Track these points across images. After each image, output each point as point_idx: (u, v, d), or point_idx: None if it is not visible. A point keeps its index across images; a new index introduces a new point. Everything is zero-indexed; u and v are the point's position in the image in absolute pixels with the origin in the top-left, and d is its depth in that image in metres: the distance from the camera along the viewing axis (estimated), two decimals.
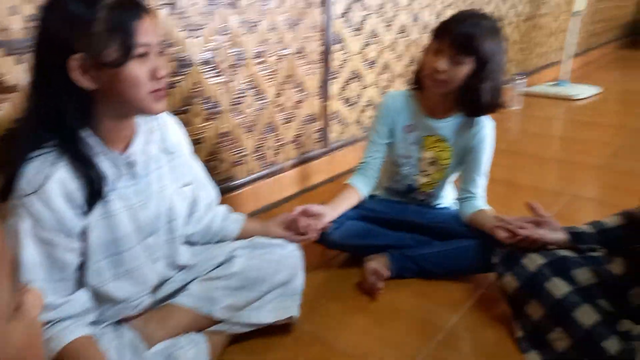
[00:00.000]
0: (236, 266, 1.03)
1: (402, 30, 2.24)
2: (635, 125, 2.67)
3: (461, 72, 1.17)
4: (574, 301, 0.95)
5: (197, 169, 1.07)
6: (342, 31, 1.90)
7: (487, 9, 2.87)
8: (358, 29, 1.98)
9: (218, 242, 1.13)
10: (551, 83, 3.62)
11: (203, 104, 1.45)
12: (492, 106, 1.22)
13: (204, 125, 1.47)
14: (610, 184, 1.95)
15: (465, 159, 1.32)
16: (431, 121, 1.32)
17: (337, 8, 1.84)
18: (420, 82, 1.28)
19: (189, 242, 1.09)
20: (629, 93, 3.62)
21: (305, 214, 1.17)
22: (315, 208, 1.20)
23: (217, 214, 1.13)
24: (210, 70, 1.44)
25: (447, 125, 1.31)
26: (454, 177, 1.40)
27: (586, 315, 0.93)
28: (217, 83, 1.48)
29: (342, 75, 1.97)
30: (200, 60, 1.40)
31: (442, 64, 1.16)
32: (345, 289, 1.28)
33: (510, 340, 1.06)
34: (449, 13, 2.30)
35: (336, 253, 1.41)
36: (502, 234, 1.09)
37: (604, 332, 0.90)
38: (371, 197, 1.41)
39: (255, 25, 1.54)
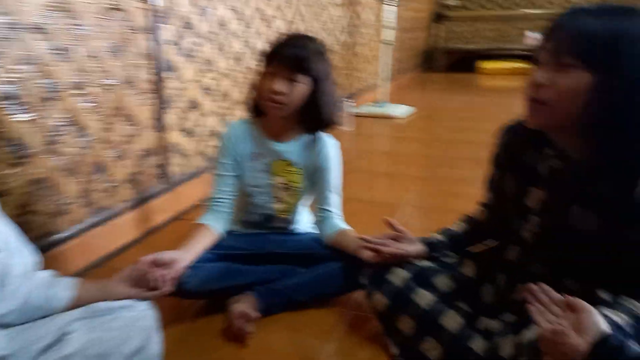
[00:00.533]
0: (72, 345, 0.82)
1: (238, 57, 2.20)
2: (447, 137, 3.08)
3: (298, 91, 1.19)
4: (439, 309, 0.99)
5: (4, 231, 0.85)
6: (174, 58, 1.77)
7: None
8: (191, 56, 1.87)
9: (43, 317, 0.90)
10: (375, 104, 3.98)
11: (7, 147, 1.18)
12: (331, 121, 1.27)
13: (10, 173, 1.20)
14: (436, 190, 2.18)
15: (315, 180, 1.32)
16: (276, 145, 1.29)
17: (166, 34, 1.71)
18: (259, 107, 1.26)
19: (3, 325, 0.85)
20: (437, 110, 4.19)
21: (155, 263, 1.02)
22: (166, 255, 1.05)
23: (38, 283, 0.90)
24: (13, 106, 1.19)
25: (292, 149, 1.30)
26: (308, 200, 1.39)
27: (452, 321, 0.98)
28: (25, 121, 1.22)
29: (178, 105, 1.83)
30: (0, 95, 1.15)
31: (280, 85, 1.17)
32: (209, 340, 1.15)
33: (386, 358, 1.06)
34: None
35: (191, 302, 1.27)
36: (367, 254, 1.10)
37: (469, 334, 0.96)
38: (228, 233, 1.31)
39: (69, 52, 1.33)
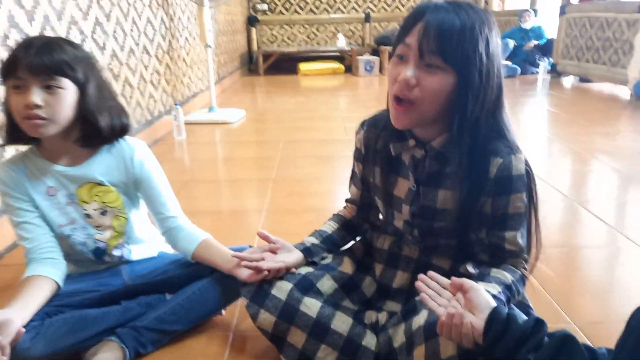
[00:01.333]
0: None
1: None
2: (285, 138, 3.11)
3: (60, 102, 0.97)
4: (328, 314, 0.97)
5: None
6: None
7: (132, 43, 2.75)
8: None
9: None
10: (204, 110, 3.82)
11: None
12: (116, 127, 1.08)
13: None
14: (286, 192, 2.18)
15: (139, 190, 1.15)
16: (73, 170, 1.08)
17: None
18: (18, 133, 1.00)
19: None
20: (268, 112, 4.22)
21: None
22: None
23: None
24: None
25: (94, 167, 1.10)
26: (140, 213, 1.21)
27: (341, 323, 0.97)
28: None
29: None
30: None
31: (35, 98, 0.94)
32: None
33: None
34: None
35: None
36: (245, 275, 1.01)
37: (360, 332, 0.96)
38: (67, 277, 1.09)
39: None
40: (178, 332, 1.11)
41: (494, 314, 0.73)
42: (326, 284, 1.02)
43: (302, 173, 2.43)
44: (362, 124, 1.06)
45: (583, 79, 5.13)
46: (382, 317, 0.99)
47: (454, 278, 0.80)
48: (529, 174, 0.90)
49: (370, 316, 1.01)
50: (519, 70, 5.65)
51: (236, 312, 1.24)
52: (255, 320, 0.99)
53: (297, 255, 1.06)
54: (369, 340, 0.95)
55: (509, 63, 5.67)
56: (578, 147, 2.80)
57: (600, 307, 1.26)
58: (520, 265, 0.93)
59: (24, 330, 0.87)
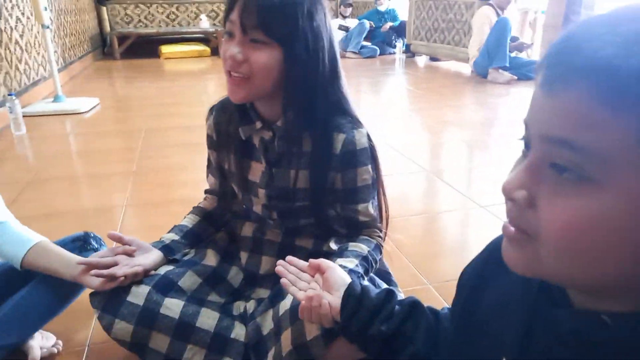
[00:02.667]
0: None
1: None
2: (147, 126, 2.89)
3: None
4: (192, 312, 0.91)
5: None
6: None
7: None
8: None
9: None
10: (49, 100, 3.38)
11: None
12: None
13: None
14: (151, 184, 2.03)
15: None
16: None
17: None
18: None
19: None
20: (127, 99, 3.89)
21: None
22: None
23: None
24: None
25: None
26: None
27: (207, 319, 0.92)
28: None
29: None
30: None
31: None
32: None
33: None
34: None
35: None
36: (95, 282, 0.90)
37: (229, 324, 0.92)
38: None
39: None
40: (14, 345, 0.97)
41: (349, 290, 0.75)
42: (189, 281, 0.96)
43: (168, 162, 2.29)
44: (211, 110, 1.02)
45: (433, 58, 5.61)
46: (251, 305, 0.97)
47: (311, 260, 0.80)
48: (371, 146, 0.93)
49: (239, 306, 0.98)
50: (378, 51, 5.98)
51: (92, 323, 1.12)
52: (109, 332, 0.89)
53: (155, 255, 0.97)
54: (238, 332, 0.92)
55: (368, 44, 5.97)
56: (430, 120, 3.06)
57: (453, 266, 1.39)
58: (375, 234, 0.98)
59: None
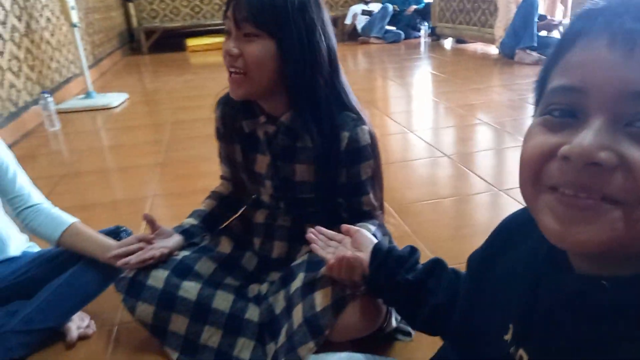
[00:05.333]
0: None
1: None
2: (173, 119, 2.98)
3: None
4: (208, 294, 0.97)
5: None
6: None
7: None
8: None
9: None
10: (81, 96, 3.52)
11: None
12: None
13: None
14: (177, 175, 2.11)
15: None
16: None
17: None
18: None
19: None
20: (154, 93, 4.00)
21: None
22: None
23: None
24: None
25: None
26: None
27: (223, 301, 0.97)
28: None
29: None
30: None
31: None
32: None
33: None
34: None
35: None
36: (125, 265, 0.97)
37: (243, 306, 0.98)
38: None
39: None
40: (53, 329, 1.04)
41: (377, 245, 0.82)
42: (204, 266, 1.02)
43: (192, 154, 2.35)
44: (218, 102, 1.05)
45: (459, 40, 5.49)
46: (264, 288, 1.01)
47: (343, 225, 0.87)
48: (373, 142, 0.97)
49: (254, 289, 1.03)
50: (403, 35, 5.89)
51: (120, 304, 1.18)
52: (133, 314, 0.96)
53: (177, 239, 1.04)
54: (252, 313, 0.97)
55: (392, 28, 5.89)
56: (454, 104, 3.02)
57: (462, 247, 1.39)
58: (378, 219, 1.02)
59: None
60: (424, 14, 6.06)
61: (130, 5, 6.50)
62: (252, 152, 1.01)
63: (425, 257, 0.77)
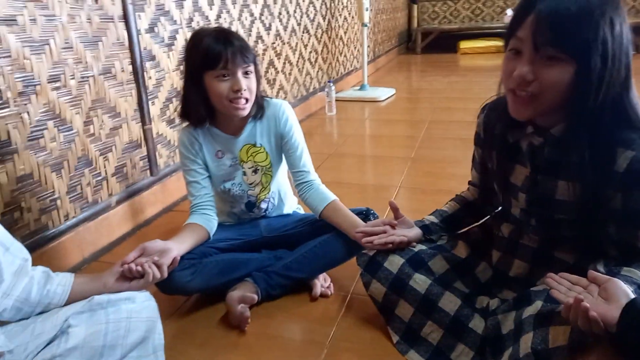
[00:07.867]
0: (74, 339, 0.81)
1: None
2: (430, 118, 3.09)
3: (254, 82, 1.20)
4: (436, 292, 1.00)
5: None
6: (152, 47, 1.73)
7: (294, 23, 2.99)
8: (170, 44, 1.83)
9: (40, 313, 0.89)
10: (356, 88, 3.97)
11: None
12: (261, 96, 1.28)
13: None
14: (424, 171, 2.19)
15: (282, 147, 1.32)
16: (235, 137, 1.28)
17: (143, 22, 1.67)
18: (212, 113, 1.23)
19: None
20: (418, 91, 4.20)
21: (146, 253, 1.02)
22: (157, 245, 1.04)
23: (33, 280, 0.89)
24: None
25: (251, 131, 1.29)
26: (282, 172, 1.38)
27: (449, 302, 0.99)
28: (3, 117, 1.19)
29: (160, 95, 1.79)
30: None
31: (243, 83, 1.16)
32: (209, 329, 1.15)
33: (388, 340, 1.07)
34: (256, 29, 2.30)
35: None
36: (369, 245, 1.09)
37: (468, 314, 0.97)
38: (219, 225, 1.30)
39: (44, 45, 1.28)
40: (302, 279, 1.25)
41: (632, 302, 0.70)
42: (438, 264, 1.05)
43: (442, 154, 2.40)
44: (483, 108, 1.04)
45: None
46: (494, 303, 0.98)
47: (590, 271, 0.77)
48: None
49: (482, 301, 1.01)
50: None
51: (356, 276, 1.34)
52: (367, 289, 1.07)
53: (416, 231, 1.10)
54: (477, 323, 0.96)
55: None
56: None
57: None
58: None
59: (179, 258, 1.08)
60: None
61: (414, 7, 6.88)
62: (510, 162, 0.97)
63: None
